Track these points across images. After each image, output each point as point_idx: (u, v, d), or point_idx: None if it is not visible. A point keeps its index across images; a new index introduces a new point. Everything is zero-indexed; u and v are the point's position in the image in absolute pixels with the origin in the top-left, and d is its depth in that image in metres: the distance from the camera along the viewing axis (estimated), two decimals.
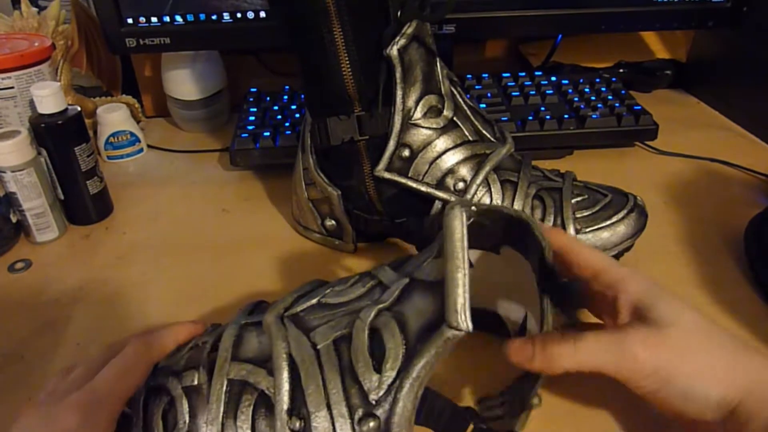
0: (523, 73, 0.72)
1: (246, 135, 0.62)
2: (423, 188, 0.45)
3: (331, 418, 0.27)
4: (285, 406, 0.28)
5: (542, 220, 0.46)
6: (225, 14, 0.62)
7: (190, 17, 0.62)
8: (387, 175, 0.45)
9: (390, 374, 0.27)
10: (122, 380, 0.31)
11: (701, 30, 0.78)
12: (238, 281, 0.49)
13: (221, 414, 0.29)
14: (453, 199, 0.45)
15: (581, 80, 0.71)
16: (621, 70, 0.81)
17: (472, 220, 0.30)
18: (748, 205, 0.56)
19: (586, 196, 0.48)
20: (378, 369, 0.27)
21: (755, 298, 0.46)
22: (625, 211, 0.48)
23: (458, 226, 0.26)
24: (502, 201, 0.46)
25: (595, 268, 0.34)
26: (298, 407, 0.28)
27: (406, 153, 0.45)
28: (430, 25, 0.44)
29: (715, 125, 0.73)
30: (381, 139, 0.44)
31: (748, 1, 0.66)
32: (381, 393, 0.27)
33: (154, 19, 0.62)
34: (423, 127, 0.44)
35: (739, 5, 0.67)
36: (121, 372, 0.31)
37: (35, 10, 0.66)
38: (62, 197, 0.55)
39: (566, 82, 0.71)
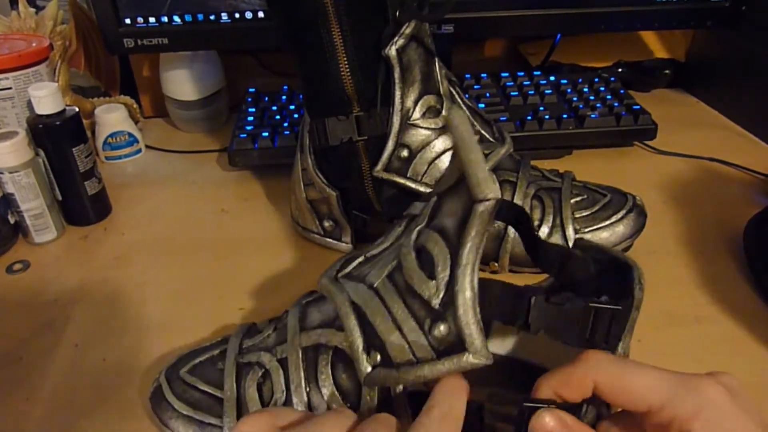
0: (522, 73, 0.72)
1: (244, 135, 0.62)
2: (422, 188, 0.45)
3: (404, 336, 0.28)
4: (361, 346, 0.29)
5: (541, 220, 0.46)
6: (223, 14, 0.62)
7: (188, 17, 0.62)
8: (386, 176, 0.45)
9: (444, 275, 0.27)
10: None
11: (700, 29, 0.78)
12: (237, 282, 0.49)
13: (303, 380, 0.31)
14: None
15: (580, 80, 0.71)
16: (620, 70, 0.80)
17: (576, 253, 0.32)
18: (747, 205, 0.56)
19: (585, 196, 0.48)
20: (432, 276, 0.27)
21: (755, 297, 0.46)
22: (624, 211, 0.48)
23: (460, 119, 0.26)
24: None
25: (654, 402, 0.25)
26: (372, 340, 0.29)
27: (405, 153, 0.44)
28: (429, 24, 0.44)
29: (715, 125, 0.73)
30: (380, 139, 0.44)
31: (747, 0, 0.66)
32: (441, 294, 0.27)
33: (152, 20, 0.62)
34: (422, 127, 0.44)
35: (737, 5, 0.67)
36: None
37: (33, 10, 0.66)
38: (60, 198, 0.55)
39: (565, 81, 0.71)
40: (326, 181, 0.48)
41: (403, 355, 0.28)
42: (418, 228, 0.30)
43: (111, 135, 0.67)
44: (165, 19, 0.62)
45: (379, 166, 0.45)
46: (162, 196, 0.62)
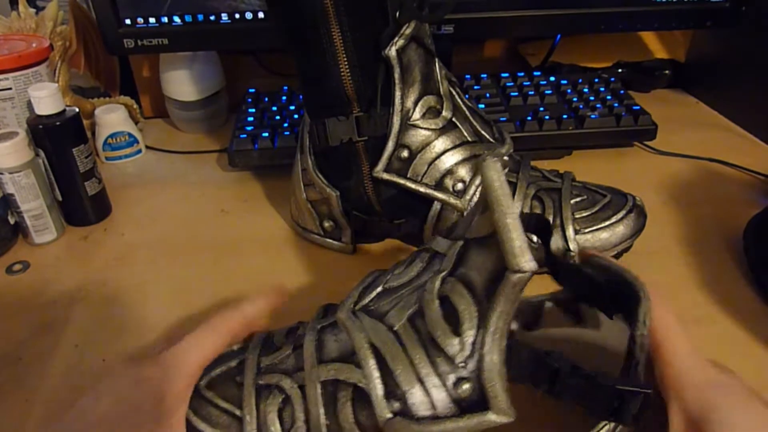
0: (522, 73, 0.72)
1: (244, 136, 0.62)
2: (422, 189, 0.45)
3: (426, 390, 0.28)
4: (380, 392, 0.29)
5: None
6: (223, 15, 0.62)
7: (188, 18, 0.62)
8: (386, 176, 0.45)
9: (470, 334, 0.27)
10: (204, 338, 0.32)
11: (700, 29, 0.78)
12: (237, 282, 0.49)
13: (322, 416, 0.30)
14: (452, 200, 0.45)
15: (580, 80, 0.71)
16: (620, 70, 0.81)
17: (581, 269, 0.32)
18: (747, 205, 0.56)
19: (585, 197, 0.48)
20: (457, 332, 0.27)
21: (755, 298, 0.46)
22: (624, 212, 0.48)
23: (495, 174, 0.26)
24: None
25: (665, 358, 0.29)
26: (393, 389, 0.29)
27: (405, 154, 0.44)
28: (429, 25, 0.44)
29: (715, 125, 0.73)
30: (380, 140, 0.44)
31: (747, 1, 0.66)
32: (466, 354, 0.27)
33: (152, 20, 0.62)
34: (422, 127, 0.44)
35: (737, 5, 0.67)
36: (205, 331, 0.32)
37: (33, 10, 0.66)
38: (60, 198, 0.55)
39: (565, 82, 0.71)
40: (326, 182, 0.48)
41: (424, 409, 0.28)
42: (442, 275, 0.29)
43: (111, 135, 0.67)
44: (165, 19, 0.62)
45: (379, 167, 0.45)
46: (162, 197, 0.62)
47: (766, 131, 0.69)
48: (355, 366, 0.30)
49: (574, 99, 0.67)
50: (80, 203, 0.56)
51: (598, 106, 0.66)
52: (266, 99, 0.70)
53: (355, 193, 0.47)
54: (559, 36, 0.79)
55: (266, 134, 0.61)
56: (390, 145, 0.44)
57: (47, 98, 0.51)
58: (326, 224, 0.51)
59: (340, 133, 0.45)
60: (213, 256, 0.52)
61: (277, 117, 0.65)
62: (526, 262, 0.25)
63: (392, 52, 0.42)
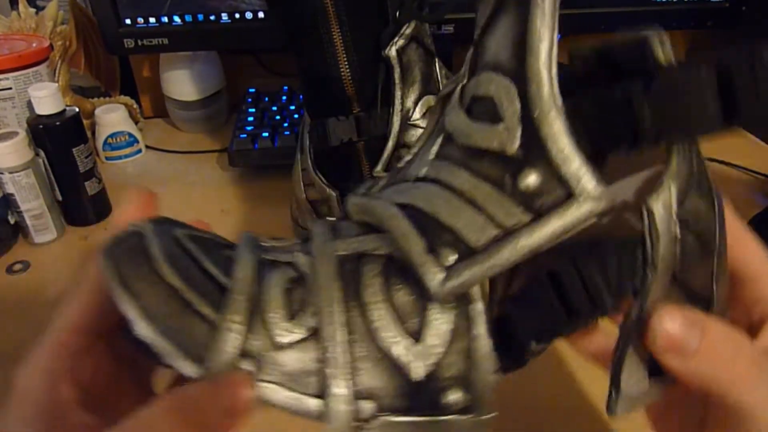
0: None
1: (245, 135, 0.62)
2: None
3: (479, 207, 0.20)
4: (422, 247, 0.20)
5: None
6: (223, 15, 0.62)
7: (188, 18, 0.62)
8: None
9: (513, 108, 0.19)
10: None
11: (700, 29, 0.78)
12: None
13: (339, 299, 0.21)
14: None
15: None
16: None
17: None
18: (748, 205, 0.56)
19: None
20: (497, 119, 0.20)
21: None
22: None
23: None
24: None
25: (756, 272, 0.25)
26: (438, 238, 0.20)
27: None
28: (429, 25, 0.44)
29: None
30: (380, 140, 0.44)
31: (747, 1, 0.66)
32: (518, 133, 0.19)
33: (152, 20, 0.62)
34: (422, 127, 0.44)
35: (737, 5, 0.67)
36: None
37: (33, 10, 0.66)
38: (60, 198, 0.55)
39: None
40: (326, 182, 0.48)
41: (484, 231, 0.19)
42: (460, 86, 0.22)
43: (111, 135, 0.67)
44: (165, 19, 0.62)
45: (379, 167, 0.45)
46: (162, 197, 0.61)
47: (766, 131, 0.69)
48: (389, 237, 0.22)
49: None
50: (80, 203, 0.56)
51: None
52: (266, 99, 0.70)
53: None
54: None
55: (266, 134, 0.61)
56: (390, 145, 0.44)
57: (47, 98, 0.51)
58: None
59: (340, 133, 0.45)
60: None
61: (277, 117, 0.66)
62: None
63: (392, 52, 0.42)
